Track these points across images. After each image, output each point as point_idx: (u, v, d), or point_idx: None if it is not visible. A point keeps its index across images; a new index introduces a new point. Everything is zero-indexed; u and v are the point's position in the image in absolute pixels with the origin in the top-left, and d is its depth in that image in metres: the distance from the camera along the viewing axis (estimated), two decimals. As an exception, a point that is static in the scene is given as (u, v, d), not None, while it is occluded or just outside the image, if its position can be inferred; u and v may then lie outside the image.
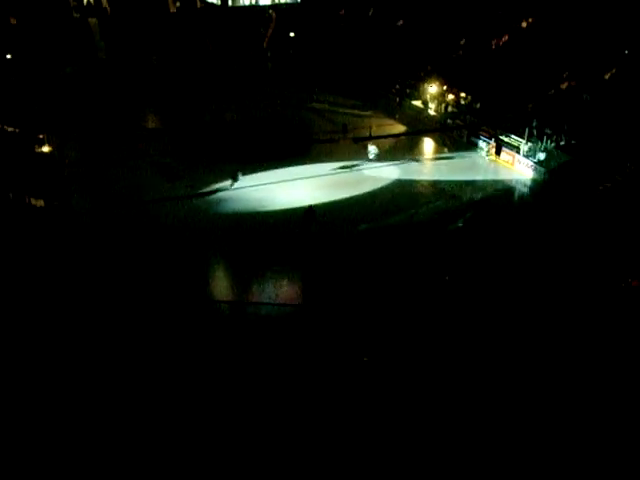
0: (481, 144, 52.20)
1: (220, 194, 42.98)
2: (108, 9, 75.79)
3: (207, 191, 43.40)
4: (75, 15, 73.34)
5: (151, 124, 59.00)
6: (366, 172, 47.38)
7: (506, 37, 63.96)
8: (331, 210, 41.04)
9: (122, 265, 33.97)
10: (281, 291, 32.75)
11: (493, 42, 64.75)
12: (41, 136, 46.21)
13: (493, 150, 50.87)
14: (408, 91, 64.64)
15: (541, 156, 47.61)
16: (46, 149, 45.13)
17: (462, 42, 66.76)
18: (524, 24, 63.91)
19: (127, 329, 28.67)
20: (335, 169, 47.48)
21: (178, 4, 79.60)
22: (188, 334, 28.52)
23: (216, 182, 44.48)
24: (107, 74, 68.30)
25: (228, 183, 43.94)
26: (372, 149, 49.26)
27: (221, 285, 34.64)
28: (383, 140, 52.87)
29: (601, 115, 47.54)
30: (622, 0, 55.14)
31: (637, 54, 51.56)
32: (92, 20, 73.51)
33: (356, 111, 61.74)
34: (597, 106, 48.83)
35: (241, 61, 72.79)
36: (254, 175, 45.58)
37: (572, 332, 28.61)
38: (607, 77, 52.01)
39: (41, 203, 38.12)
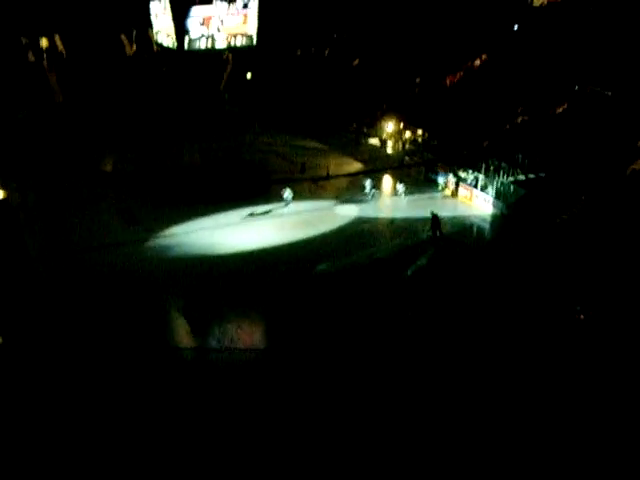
0: (439, 180, 52.60)
1: (176, 238, 42.63)
2: (64, 52, 75.55)
3: (163, 235, 43.03)
4: (31, 59, 72.99)
5: (109, 168, 58.50)
6: (325, 211, 47.41)
7: (460, 74, 65.00)
8: (292, 250, 40.91)
9: (78, 314, 33.16)
10: (243, 336, 32.21)
11: (448, 80, 65.76)
12: (-5, 182, 45.57)
13: (451, 186, 51.27)
14: (365, 130, 65.18)
15: (498, 191, 48.16)
16: (0, 195, 44.45)
17: (418, 80, 67.66)
18: (477, 62, 65.07)
19: (86, 380, 27.91)
20: (294, 209, 47.41)
21: (135, 47, 79.75)
22: (150, 383, 27.85)
23: (175, 225, 44.15)
24: (64, 118, 67.73)
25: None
26: (368, 183, 49.96)
27: (181, 331, 34.02)
28: (341, 179, 53.06)
29: (554, 149, 48.35)
30: (571, 37, 56.49)
31: (585, 90, 52.74)
32: (48, 64, 73.17)
33: (314, 151, 61.91)
34: (550, 140, 49.64)
35: (199, 104, 72.77)
36: (212, 217, 45.42)
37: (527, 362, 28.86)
38: (559, 111, 53.03)
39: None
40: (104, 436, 24.21)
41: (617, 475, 22.13)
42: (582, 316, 32.32)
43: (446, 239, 43.10)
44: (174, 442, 24.03)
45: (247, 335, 32.37)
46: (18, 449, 23.35)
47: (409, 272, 38.27)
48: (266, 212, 46.77)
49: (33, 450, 23.35)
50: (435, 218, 43.31)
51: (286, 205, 47.48)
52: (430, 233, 43.39)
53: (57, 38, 75.27)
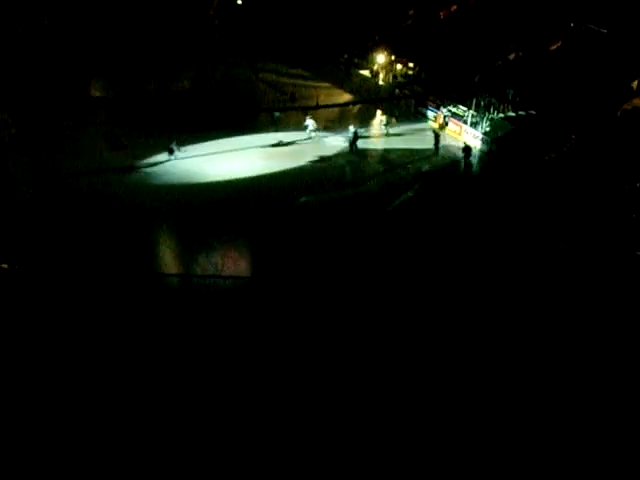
0: (429, 114, 52.15)
1: (163, 165, 42.22)
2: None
3: (150, 162, 42.60)
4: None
5: (97, 93, 57.62)
6: (314, 142, 46.97)
7: (454, 8, 63.91)
8: (277, 180, 40.73)
9: (63, 239, 33.00)
10: (228, 264, 32.22)
11: (441, 13, 64.64)
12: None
13: (440, 120, 50.90)
14: (356, 61, 64.34)
15: (488, 126, 47.84)
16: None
17: (411, 12, 66.49)
18: (472, -5, 63.97)
19: (73, 306, 27.87)
20: (282, 139, 46.89)
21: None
22: (138, 309, 27.82)
23: (160, 152, 43.66)
24: (49, 40, 66.23)
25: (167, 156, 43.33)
26: (310, 123, 47.89)
27: (167, 258, 33.97)
28: (331, 109, 52.42)
29: (546, 86, 47.90)
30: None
31: (581, 27, 51.99)
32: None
33: (304, 80, 61.10)
34: (543, 77, 49.13)
35: (188, 30, 71.41)
36: (199, 145, 44.96)
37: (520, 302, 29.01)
38: (553, 49, 52.39)
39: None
40: (92, 362, 24.46)
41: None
42: (567, 253, 32.51)
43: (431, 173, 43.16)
44: (159, 371, 24.25)
45: (231, 262, 32.41)
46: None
47: (394, 205, 38.25)
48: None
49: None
50: (355, 134, 45.77)
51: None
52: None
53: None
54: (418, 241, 33.99)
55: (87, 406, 22.09)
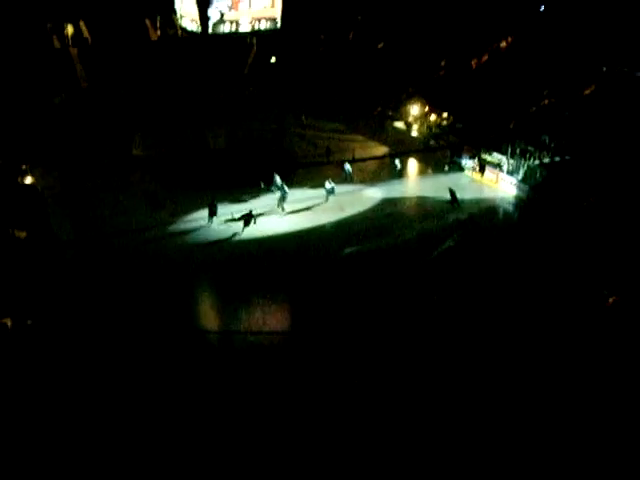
0: (464, 164, 52.27)
1: (203, 222, 42.69)
2: (89, 39, 75.67)
3: (190, 219, 43.23)
4: (56, 45, 73.14)
5: (138, 151, 58.76)
6: (351, 194, 47.29)
7: (486, 57, 64.44)
8: (317, 235, 41.13)
9: (106, 297, 33.53)
10: (269, 319, 32.43)
11: (473, 62, 65.19)
12: (24, 167, 45.91)
13: (477, 169, 50.95)
14: (390, 113, 64.87)
15: (524, 174, 47.75)
16: (29, 180, 44.84)
17: (443, 63, 67.15)
18: (503, 44, 64.42)
19: (115, 362, 28.19)
20: (320, 193, 47.18)
21: (159, 32, 79.70)
22: (178, 365, 28.09)
23: (198, 210, 44.25)
24: (90, 103, 67.94)
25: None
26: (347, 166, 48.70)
27: (209, 315, 34.29)
28: (367, 162, 52.80)
29: (581, 131, 47.86)
30: (599, 18, 55.69)
31: (614, 71, 52.08)
32: (73, 50, 73.26)
33: (339, 134, 61.70)
34: (577, 122, 49.12)
35: (224, 88, 72.67)
36: (238, 200, 45.55)
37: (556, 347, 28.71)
38: (587, 93, 52.46)
39: (23, 234, 37.65)
40: (129, 415, 24.66)
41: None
42: (610, 300, 32.08)
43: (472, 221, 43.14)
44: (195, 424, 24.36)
45: (273, 318, 32.55)
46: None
47: (434, 254, 38.28)
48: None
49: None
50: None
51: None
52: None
53: (82, 24, 75.39)
54: (460, 291, 34.01)
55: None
